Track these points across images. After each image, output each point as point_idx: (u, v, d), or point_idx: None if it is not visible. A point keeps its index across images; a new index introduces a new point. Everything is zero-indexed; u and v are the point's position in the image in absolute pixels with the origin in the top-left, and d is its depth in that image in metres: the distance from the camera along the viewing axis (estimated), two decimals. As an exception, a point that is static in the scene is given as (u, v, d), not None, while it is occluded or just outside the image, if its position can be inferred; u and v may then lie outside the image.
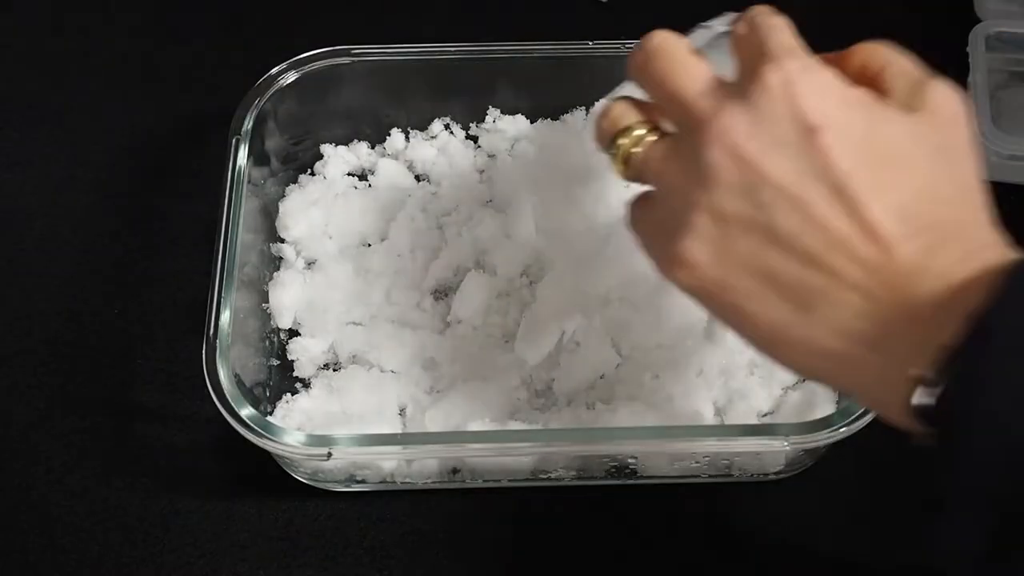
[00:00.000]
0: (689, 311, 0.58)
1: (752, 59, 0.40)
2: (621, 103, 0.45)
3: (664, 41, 0.43)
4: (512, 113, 0.67)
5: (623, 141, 0.43)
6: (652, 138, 0.43)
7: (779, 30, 0.41)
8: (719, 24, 0.48)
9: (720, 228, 0.39)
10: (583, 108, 0.67)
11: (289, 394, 0.58)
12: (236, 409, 0.52)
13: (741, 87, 0.40)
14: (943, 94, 0.41)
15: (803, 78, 0.39)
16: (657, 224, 0.42)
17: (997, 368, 0.33)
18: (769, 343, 0.40)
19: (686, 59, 0.42)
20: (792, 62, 0.39)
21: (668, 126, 0.43)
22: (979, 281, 0.35)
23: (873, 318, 0.37)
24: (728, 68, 0.42)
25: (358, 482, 0.57)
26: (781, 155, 0.38)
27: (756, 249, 0.39)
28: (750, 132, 0.38)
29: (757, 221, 0.38)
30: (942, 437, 0.35)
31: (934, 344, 0.35)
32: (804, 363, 0.40)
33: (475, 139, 0.68)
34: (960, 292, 0.35)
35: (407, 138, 0.68)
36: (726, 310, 0.41)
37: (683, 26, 0.73)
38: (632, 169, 0.43)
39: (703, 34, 0.49)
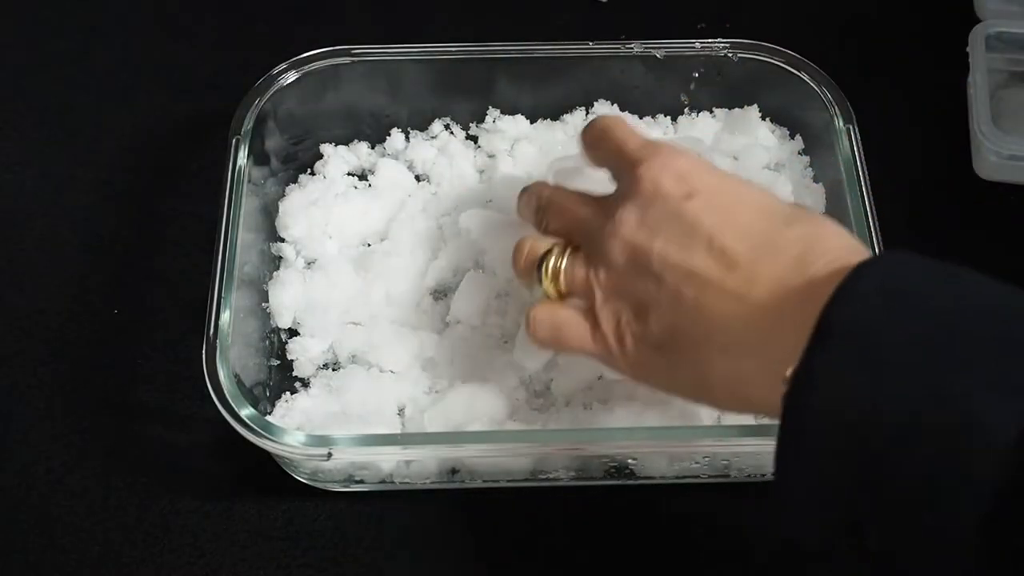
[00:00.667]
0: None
1: (622, 165, 0.50)
2: (529, 238, 0.53)
3: (549, 190, 0.54)
4: (512, 113, 0.67)
5: (546, 266, 0.51)
6: (566, 257, 0.51)
7: (626, 132, 0.51)
8: (572, 160, 0.58)
9: (640, 309, 0.47)
10: (583, 108, 0.67)
11: (288, 393, 0.58)
12: (236, 409, 0.52)
13: (625, 190, 0.49)
14: None
15: (666, 167, 0.48)
16: (595, 331, 0.50)
17: (828, 364, 0.38)
18: (695, 390, 0.48)
19: (570, 195, 0.53)
20: (656, 157, 0.48)
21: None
22: (829, 282, 0.40)
23: (748, 331, 0.44)
24: (587, 185, 0.54)
25: (357, 482, 0.57)
26: (661, 230, 0.47)
27: (664, 311, 0.46)
28: (637, 222, 0.47)
29: (657, 288, 0.46)
30: (782, 429, 0.39)
31: (801, 345, 0.39)
32: (721, 397, 0.47)
33: (475, 139, 0.68)
34: (814, 294, 0.40)
35: (407, 138, 0.68)
36: (659, 374, 0.48)
37: (681, 26, 0.73)
38: (559, 283, 0.51)
39: (561, 164, 0.59)
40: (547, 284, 0.51)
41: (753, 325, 0.44)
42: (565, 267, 0.51)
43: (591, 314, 0.50)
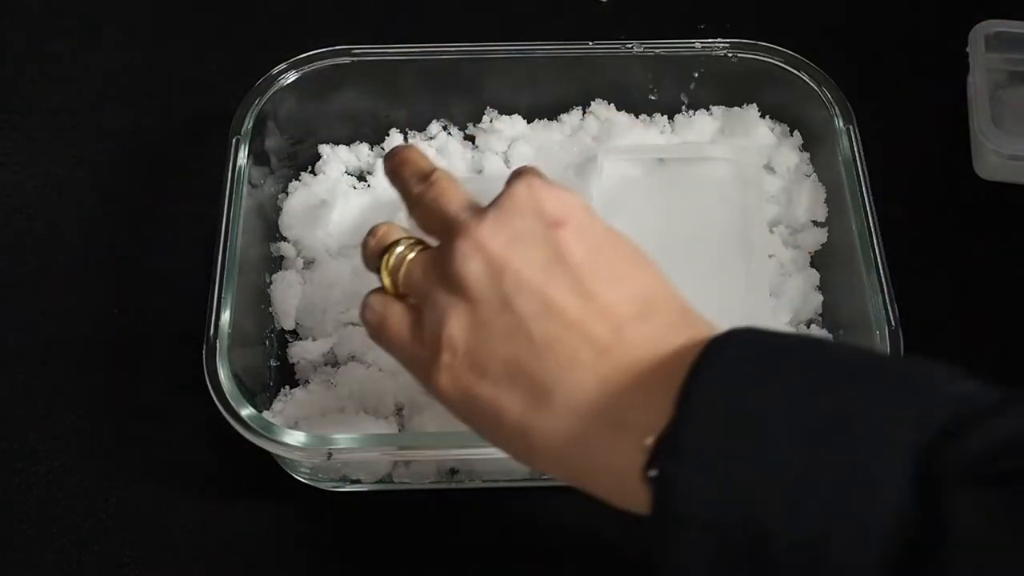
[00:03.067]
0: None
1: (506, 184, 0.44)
2: (385, 224, 0.48)
3: (443, 173, 0.48)
4: (509, 113, 0.67)
5: (389, 257, 0.46)
6: (413, 253, 0.46)
7: (529, 168, 0.45)
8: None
9: (474, 326, 0.41)
10: (580, 108, 0.67)
11: (287, 386, 0.58)
12: (236, 409, 0.52)
13: (497, 198, 0.44)
14: None
15: (547, 186, 0.43)
16: (418, 334, 0.44)
17: (691, 445, 0.35)
18: (522, 443, 0.41)
19: (457, 187, 0.47)
20: (536, 176, 0.43)
21: (432, 242, 0.46)
22: (691, 352, 0.37)
23: (607, 394, 0.39)
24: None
25: (354, 482, 0.57)
26: (523, 247, 0.41)
27: (503, 339, 0.41)
28: (495, 229, 0.42)
29: (502, 310, 0.41)
30: (653, 512, 0.36)
31: (663, 416, 0.36)
32: (558, 459, 0.41)
33: (472, 139, 0.68)
34: (678, 364, 0.37)
35: (406, 139, 0.68)
36: (484, 412, 0.42)
37: (681, 26, 0.73)
38: (398, 281, 0.46)
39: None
40: (384, 275, 0.46)
41: (611, 385, 0.39)
42: (409, 261, 0.46)
43: (418, 316, 0.45)
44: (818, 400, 0.34)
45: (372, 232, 0.48)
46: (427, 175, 0.47)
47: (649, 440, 0.36)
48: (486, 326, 0.41)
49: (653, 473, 0.36)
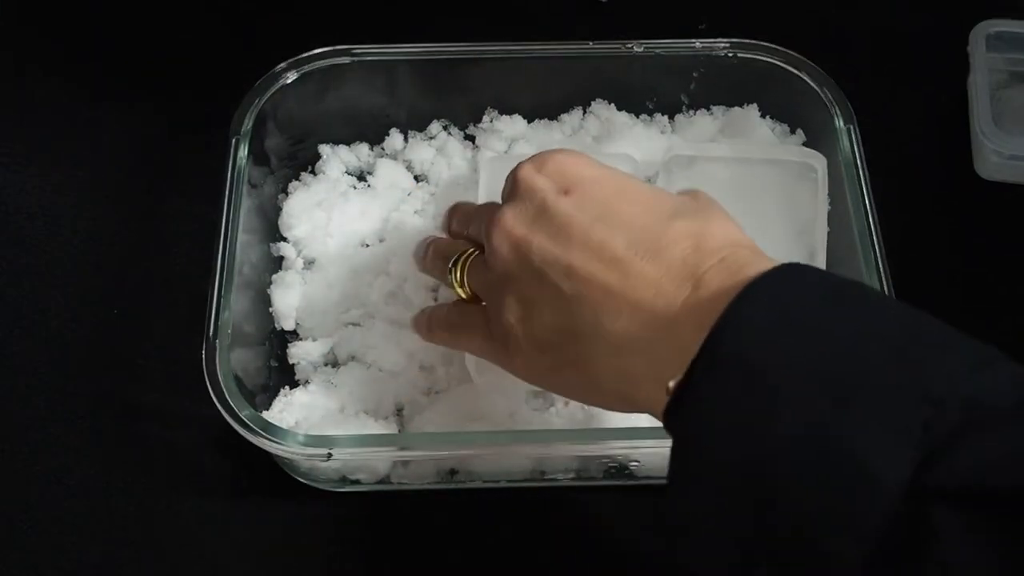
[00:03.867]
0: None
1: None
2: (443, 240, 0.56)
3: (460, 204, 0.57)
4: (510, 113, 0.67)
5: (456, 270, 0.52)
6: (472, 256, 0.52)
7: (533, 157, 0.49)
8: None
9: (524, 306, 0.46)
10: (580, 108, 0.67)
11: (287, 387, 0.58)
12: (236, 409, 0.52)
13: (508, 190, 0.49)
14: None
15: (544, 161, 0.47)
16: (488, 331, 0.49)
17: (715, 395, 0.37)
18: (597, 396, 0.46)
19: (472, 206, 0.55)
20: (534, 157, 0.47)
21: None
22: (718, 293, 0.40)
23: (636, 328, 0.42)
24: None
25: (354, 482, 0.57)
26: (539, 224, 0.45)
27: (549, 309, 0.45)
28: (514, 216, 0.47)
29: (540, 284, 0.45)
30: (673, 452, 0.39)
31: (688, 356, 0.38)
32: (615, 394, 0.45)
33: (472, 139, 0.68)
34: (702, 302, 0.40)
35: (406, 139, 0.68)
36: (557, 379, 0.47)
37: (681, 26, 0.73)
38: (466, 285, 0.52)
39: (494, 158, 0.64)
40: (457, 287, 0.52)
41: (638, 324, 0.42)
42: (470, 266, 0.51)
43: (486, 314, 0.50)
44: (834, 374, 0.35)
45: (437, 249, 0.54)
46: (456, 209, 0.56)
47: (671, 383, 0.38)
48: (533, 303, 0.46)
49: (671, 422, 0.39)
